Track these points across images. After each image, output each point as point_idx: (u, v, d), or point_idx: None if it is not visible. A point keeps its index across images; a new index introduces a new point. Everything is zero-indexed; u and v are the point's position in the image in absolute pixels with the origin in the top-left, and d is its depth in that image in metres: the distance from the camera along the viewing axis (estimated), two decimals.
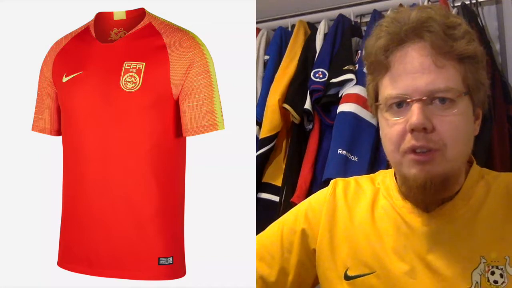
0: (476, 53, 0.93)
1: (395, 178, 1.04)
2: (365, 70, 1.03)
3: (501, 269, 0.88)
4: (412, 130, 0.89)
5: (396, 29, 0.93)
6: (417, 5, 1.97)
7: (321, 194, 1.12)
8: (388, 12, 0.97)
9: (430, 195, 0.93)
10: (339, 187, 1.10)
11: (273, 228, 1.17)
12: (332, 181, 1.13)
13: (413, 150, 0.90)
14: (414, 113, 0.88)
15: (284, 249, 1.11)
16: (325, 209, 1.08)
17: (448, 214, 0.96)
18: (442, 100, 0.89)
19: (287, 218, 1.16)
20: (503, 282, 0.88)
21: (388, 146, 0.95)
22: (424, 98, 0.89)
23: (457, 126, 0.90)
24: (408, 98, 0.90)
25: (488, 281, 0.88)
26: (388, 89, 0.93)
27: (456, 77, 0.91)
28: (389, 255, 0.97)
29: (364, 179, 1.11)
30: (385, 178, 1.08)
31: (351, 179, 1.12)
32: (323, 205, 1.09)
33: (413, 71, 0.90)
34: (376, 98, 0.98)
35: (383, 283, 0.96)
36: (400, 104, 0.92)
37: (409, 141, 0.90)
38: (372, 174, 1.13)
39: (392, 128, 0.92)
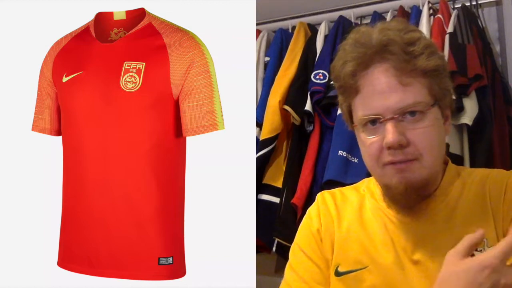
0: (438, 66, 0.98)
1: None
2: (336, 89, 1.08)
3: (480, 250, 0.92)
4: (389, 147, 0.95)
5: (360, 55, 0.98)
6: (417, 7, 2.02)
7: (313, 208, 1.15)
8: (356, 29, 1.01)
9: (411, 199, 0.99)
10: (327, 197, 1.15)
11: (297, 260, 1.13)
12: (318, 194, 1.17)
13: (392, 163, 0.96)
14: (389, 132, 0.94)
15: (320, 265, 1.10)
16: (323, 216, 1.12)
17: (428, 211, 1.01)
18: (412, 113, 0.95)
19: (302, 244, 1.13)
20: None
21: (368, 161, 1.01)
22: (396, 116, 0.95)
23: (430, 136, 0.96)
24: (381, 118, 0.96)
25: None
26: (361, 110, 0.99)
27: (422, 91, 0.96)
28: (378, 250, 1.03)
29: (348, 189, 1.16)
30: (369, 184, 1.13)
31: (336, 190, 1.17)
32: (319, 214, 1.12)
33: (382, 91, 0.96)
34: (351, 116, 1.04)
35: (375, 276, 1.01)
36: (374, 121, 0.97)
37: (387, 156, 0.96)
38: (355, 184, 1.19)
39: (369, 146, 0.98)
